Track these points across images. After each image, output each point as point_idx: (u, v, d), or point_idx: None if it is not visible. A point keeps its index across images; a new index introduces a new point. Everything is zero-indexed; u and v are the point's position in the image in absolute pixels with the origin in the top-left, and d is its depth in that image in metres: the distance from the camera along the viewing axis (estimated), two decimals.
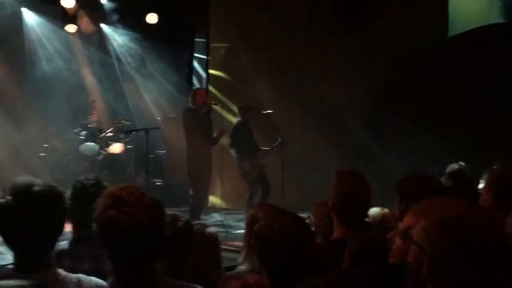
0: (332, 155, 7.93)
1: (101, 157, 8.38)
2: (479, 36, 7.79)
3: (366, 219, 2.64)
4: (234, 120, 8.71)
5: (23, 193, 1.74)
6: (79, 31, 9.31)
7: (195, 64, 9.89)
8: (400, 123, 7.62)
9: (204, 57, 9.77)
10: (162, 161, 9.19)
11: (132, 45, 9.69)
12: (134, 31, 9.53)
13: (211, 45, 9.68)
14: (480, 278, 1.13)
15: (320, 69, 8.45)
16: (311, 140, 8.57)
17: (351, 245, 1.94)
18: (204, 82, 9.65)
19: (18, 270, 1.73)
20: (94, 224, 1.67)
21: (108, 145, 8.60)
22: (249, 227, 2.34)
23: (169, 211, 2.04)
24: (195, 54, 9.89)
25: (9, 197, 1.74)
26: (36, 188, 1.76)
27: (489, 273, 1.13)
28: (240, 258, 2.49)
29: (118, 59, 9.80)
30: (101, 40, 9.79)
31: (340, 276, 1.67)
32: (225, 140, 7.14)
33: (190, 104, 6.75)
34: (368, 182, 2.49)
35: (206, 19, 9.52)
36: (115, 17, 9.40)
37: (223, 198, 9.28)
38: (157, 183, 8.61)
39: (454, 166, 4.79)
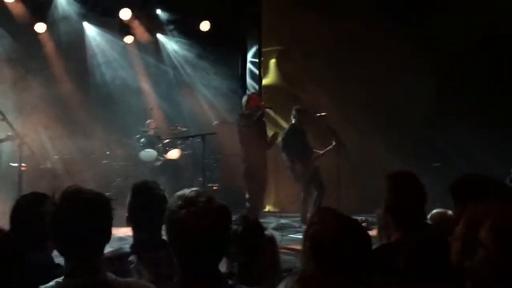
0: (391, 156, 7.73)
1: (159, 163, 8.61)
2: None
3: (427, 221, 2.56)
4: (287, 123, 8.71)
5: (71, 200, 1.81)
6: (136, 41, 9.65)
7: (248, 68, 9.98)
8: (464, 122, 7.32)
9: (257, 60, 9.83)
10: (218, 166, 9.32)
11: (186, 52, 9.94)
12: (188, 39, 9.77)
13: (264, 49, 9.71)
14: None
15: (378, 69, 8.27)
16: (369, 142, 8.38)
17: (408, 247, 1.89)
18: (257, 86, 9.70)
19: (69, 274, 1.79)
20: (165, 225, 1.72)
21: (166, 151, 8.84)
22: (307, 230, 2.33)
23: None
24: (249, 58, 9.98)
25: (59, 204, 1.81)
26: (84, 195, 1.82)
27: None
28: (298, 261, 2.48)
29: (174, 67, 10.08)
30: (157, 49, 10.11)
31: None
32: (279, 144, 7.15)
33: (244, 109, 6.81)
34: (421, 183, 2.41)
35: (258, 22, 9.57)
36: (169, 26, 9.66)
37: (278, 201, 9.26)
38: (214, 188, 8.73)
39: None
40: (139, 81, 9.75)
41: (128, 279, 1.86)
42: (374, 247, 2.00)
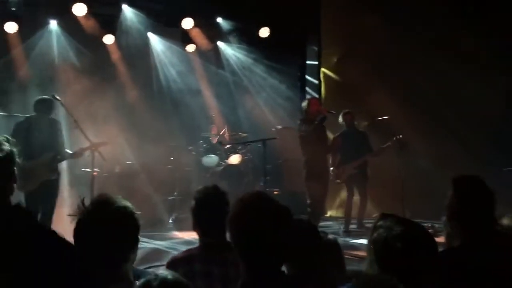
0: (459, 160, 7.45)
1: (221, 168, 8.79)
2: None
3: (497, 228, 2.46)
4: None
5: (100, 209, 1.90)
6: (197, 49, 9.92)
7: (308, 72, 9.99)
8: None
9: (316, 63, 9.81)
10: (279, 171, 9.37)
11: (246, 59, 10.11)
12: (247, 45, 9.92)
13: (323, 52, 9.68)
14: None
15: (442, 71, 8.01)
16: (435, 145, 8.12)
17: (477, 252, 1.83)
18: (317, 90, 9.68)
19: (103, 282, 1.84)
20: (228, 228, 1.78)
21: (227, 157, 9.00)
22: (371, 235, 2.32)
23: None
24: (308, 63, 9.99)
25: (88, 210, 1.90)
26: (112, 206, 1.90)
27: None
28: (363, 266, 2.47)
29: (235, 73, 10.27)
30: (218, 56, 10.35)
31: None
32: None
33: (304, 114, 6.83)
34: (489, 188, 2.33)
35: (317, 27, 9.56)
36: (230, 34, 9.86)
37: (340, 207, 9.16)
38: (275, 192, 8.79)
39: None
40: (201, 88, 10.01)
41: None
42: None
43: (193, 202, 2.61)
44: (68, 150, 6.13)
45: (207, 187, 2.70)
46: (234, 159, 8.96)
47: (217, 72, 10.45)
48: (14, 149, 2.24)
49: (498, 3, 7.82)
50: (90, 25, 8.77)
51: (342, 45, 9.30)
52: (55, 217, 5.79)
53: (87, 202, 1.97)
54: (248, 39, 9.85)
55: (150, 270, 3.73)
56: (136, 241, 1.96)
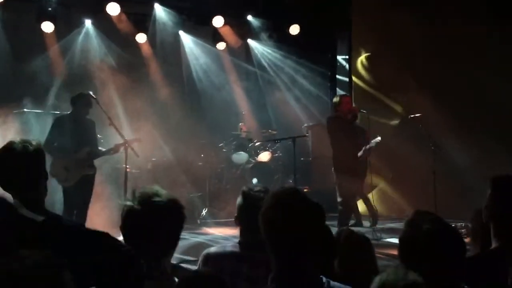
0: (494, 160, 7.27)
1: (250, 165, 8.83)
2: None
3: None
4: (379, 128, 8.56)
5: (147, 201, 1.91)
6: (227, 47, 9.99)
7: (338, 70, 9.92)
8: None
9: (347, 60, 9.73)
10: (308, 168, 9.35)
11: (276, 56, 10.11)
12: (278, 43, 9.92)
13: (354, 51, 9.59)
14: None
15: (480, 68, 7.82)
16: (470, 144, 7.94)
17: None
18: (347, 88, 9.61)
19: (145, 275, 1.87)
20: (260, 224, 1.79)
21: (257, 154, 9.04)
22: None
23: None
24: (339, 61, 9.92)
25: (136, 203, 1.93)
26: (160, 199, 1.92)
27: None
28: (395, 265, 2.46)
29: (265, 71, 10.28)
30: (248, 54, 10.39)
31: None
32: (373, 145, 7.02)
33: (334, 110, 6.80)
34: None
35: (348, 23, 9.48)
36: (260, 31, 9.88)
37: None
38: (304, 190, 8.78)
39: None
40: (231, 86, 10.07)
41: None
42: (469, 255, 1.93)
43: (240, 199, 2.61)
44: (100, 148, 6.28)
45: (255, 185, 2.71)
46: (264, 156, 8.99)
47: (247, 69, 10.50)
48: (43, 149, 2.31)
49: None
50: (123, 24, 8.95)
51: (373, 42, 9.20)
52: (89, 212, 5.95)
53: (119, 196, 2.03)
54: (278, 36, 9.85)
55: (184, 265, 3.80)
56: (179, 236, 1.98)
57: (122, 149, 6.07)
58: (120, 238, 1.98)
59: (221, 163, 9.02)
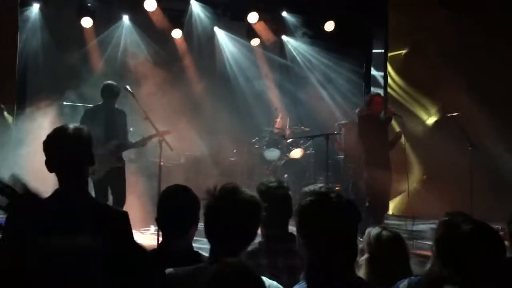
0: None
1: (282, 162, 8.83)
2: None
3: None
4: (413, 125, 8.43)
5: (229, 197, 1.97)
6: (262, 43, 10.00)
7: (373, 68, 9.79)
8: None
9: (382, 57, 9.58)
10: (340, 166, 9.28)
11: (311, 53, 10.06)
12: (312, 39, 9.87)
13: (390, 48, 9.43)
14: None
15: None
16: (507, 145, 7.71)
17: None
18: (382, 87, 9.47)
19: (210, 260, 1.95)
20: (296, 220, 1.81)
21: (289, 151, 9.03)
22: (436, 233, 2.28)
23: None
24: (374, 58, 9.78)
25: (217, 198, 1.98)
26: (241, 194, 1.99)
27: None
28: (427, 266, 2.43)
29: (299, 67, 10.25)
30: (282, 50, 10.37)
31: None
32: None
33: (366, 109, 6.73)
34: None
35: (385, 22, 9.33)
36: (295, 27, 9.84)
37: (410, 205, 8.92)
38: (336, 188, 8.72)
39: None
40: (264, 82, 10.09)
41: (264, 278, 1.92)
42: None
43: (256, 194, 2.65)
44: (131, 140, 6.29)
45: (270, 179, 2.74)
46: (296, 153, 8.97)
47: (280, 65, 10.49)
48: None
49: None
50: (159, 20, 9.08)
51: (409, 39, 9.02)
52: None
53: (153, 189, 2.08)
54: (313, 32, 9.79)
55: None
56: (256, 231, 2.03)
57: (149, 142, 6.11)
58: (153, 230, 2.03)
59: (253, 159, 9.05)
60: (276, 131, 9.19)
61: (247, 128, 9.22)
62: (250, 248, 2.57)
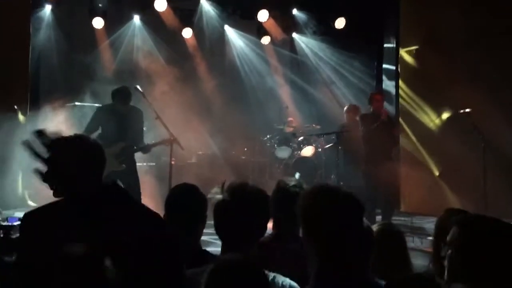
0: None
1: (293, 160, 8.81)
2: None
3: None
4: (425, 121, 8.37)
5: (238, 193, 1.99)
6: (272, 41, 9.98)
7: (385, 63, 9.72)
8: None
9: (394, 54, 9.50)
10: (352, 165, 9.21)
11: (321, 50, 10.01)
12: (324, 37, 9.82)
13: (401, 45, 9.35)
14: None
15: None
16: None
17: None
18: (394, 82, 9.40)
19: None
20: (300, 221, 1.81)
21: (300, 149, 9.01)
22: (438, 230, 2.26)
23: None
24: (385, 55, 9.71)
25: (226, 195, 1.99)
26: (249, 190, 2.00)
27: None
28: (429, 262, 2.42)
29: (310, 65, 10.21)
30: (293, 48, 10.34)
31: None
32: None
33: (369, 108, 6.77)
34: None
35: (396, 17, 9.25)
36: (306, 25, 9.81)
37: (410, 202, 8.85)
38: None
39: None
40: (275, 80, 10.07)
41: (276, 274, 1.92)
42: None
43: (274, 192, 2.62)
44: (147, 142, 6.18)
45: (289, 179, 2.73)
46: (307, 151, 8.94)
47: (291, 63, 10.47)
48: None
49: None
50: (170, 20, 9.12)
51: (421, 35, 8.92)
52: None
53: (164, 188, 2.09)
54: (323, 30, 9.74)
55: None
56: (266, 226, 2.04)
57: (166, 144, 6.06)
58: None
59: (264, 157, 9.05)
60: (287, 129, 9.17)
61: (258, 126, 9.22)
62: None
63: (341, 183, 7.92)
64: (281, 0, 9.61)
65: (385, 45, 9.64)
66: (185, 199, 2.38)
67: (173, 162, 6.09)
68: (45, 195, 2.14)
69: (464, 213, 2.11)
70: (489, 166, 6.57)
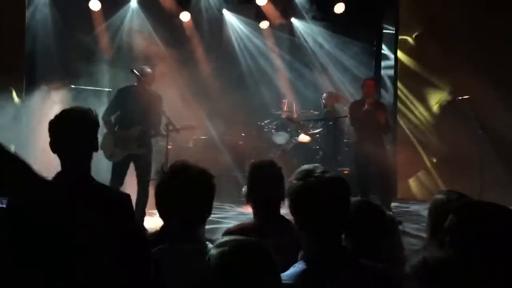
0: None
1: (291, 145, 8.79)
2: None
3: None
4: (423, 109, 8.35)
5: (179, 172, 1.98)
6: (271, 26, 9.89)
7: (383, 50, 9.66)
8: None
9: (393, 39, 9.44)
10: (350, 150, 9.21)
11: (320, 35, 9.93)
12: (323, 22, 9.73)
13: (400, 31, 9.28)
14: None
15: None
16: None
17: None
18: (393, 67, 9.35)
19: (173, 240, 1.97)
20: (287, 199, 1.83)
21: (297, 134, 8.98)
22: (432, 214, 2.26)
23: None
24: (384, 41, 9.64)
25: (168, 174, 1.99)
26: (191, 170, 1.98)
27: None
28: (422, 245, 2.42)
29: (308, 50, 10.13)
30: (292, 33, 10.25)
31: None
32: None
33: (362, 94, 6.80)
34: None
35: (395, 4, 9.17)
36: (304, 10, 9.71)
37: (405, 188, 8.86)
38: (345, 172, 8.66)
39: None
40: (273, 65, 10.01)
41: None
42: None
43: (247, 174, 2.69)
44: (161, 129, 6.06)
45: (261, 160, 2.77)
46: (304, 137, 8.91)
47: (290, 48, 10.38)
48: (99, 121, 2.36)
49: None
50: (167, 3, 9.01)
51: (421, 21, 8.85)
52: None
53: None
54: (322, 15, 9.65)
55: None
56: (211, 203, 2.04)
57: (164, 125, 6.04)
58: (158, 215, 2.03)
59: (262, 143, 9.02)
60: (284, 114, 9.12)
61: (256, 111, 9.18)
62: (241, 226, 2.57)
63: (339, 169, 7.93)
64: None
65: (385, 31, 9.58)
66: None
67: (169, 147, 6.06)
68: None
69: (464, 198, 2.09)
70: (487, 153, 6.58)
